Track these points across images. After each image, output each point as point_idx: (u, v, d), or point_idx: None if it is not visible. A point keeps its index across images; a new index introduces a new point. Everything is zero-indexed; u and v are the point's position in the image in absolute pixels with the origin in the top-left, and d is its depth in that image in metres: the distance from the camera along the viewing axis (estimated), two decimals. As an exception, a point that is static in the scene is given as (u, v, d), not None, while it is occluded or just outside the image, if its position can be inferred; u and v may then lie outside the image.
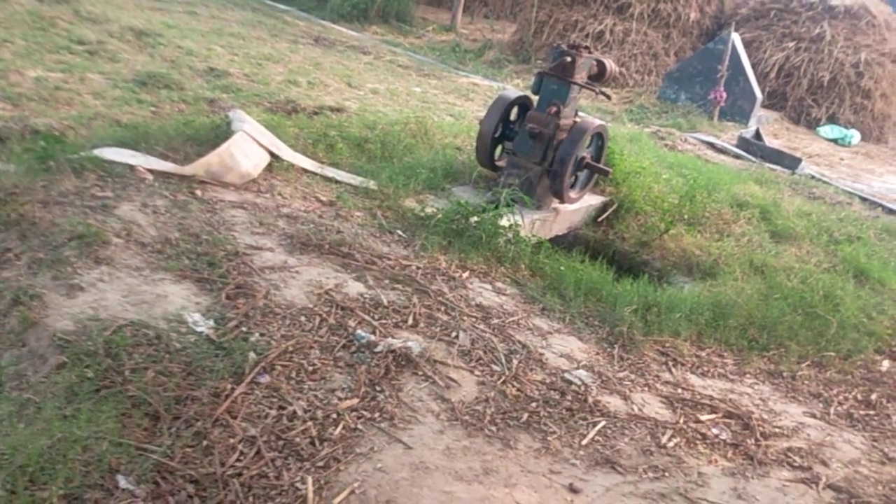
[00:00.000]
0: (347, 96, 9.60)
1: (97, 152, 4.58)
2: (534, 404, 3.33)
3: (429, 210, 5.14)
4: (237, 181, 4.87)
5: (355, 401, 2.98)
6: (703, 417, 3.58)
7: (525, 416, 3.21)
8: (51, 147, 4.39)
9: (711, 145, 10.82)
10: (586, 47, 5.83)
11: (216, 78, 8.91)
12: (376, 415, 2.94)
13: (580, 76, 5.78)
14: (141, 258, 3.63)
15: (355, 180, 5.48)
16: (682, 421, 3.50)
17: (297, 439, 2.67)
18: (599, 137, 6.15)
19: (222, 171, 4.81)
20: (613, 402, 3.53)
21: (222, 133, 5.34)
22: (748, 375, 4.18)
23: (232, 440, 2.60)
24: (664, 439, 3.31)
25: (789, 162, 10.00)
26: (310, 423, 2.76)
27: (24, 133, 5.62)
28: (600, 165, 6.08)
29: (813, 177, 9.68)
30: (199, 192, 4.58)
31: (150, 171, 4.61)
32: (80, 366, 2.73)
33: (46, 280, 3.24)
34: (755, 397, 3.92)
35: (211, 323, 3.24)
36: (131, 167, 4.56)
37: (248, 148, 5.08)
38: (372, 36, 16.02)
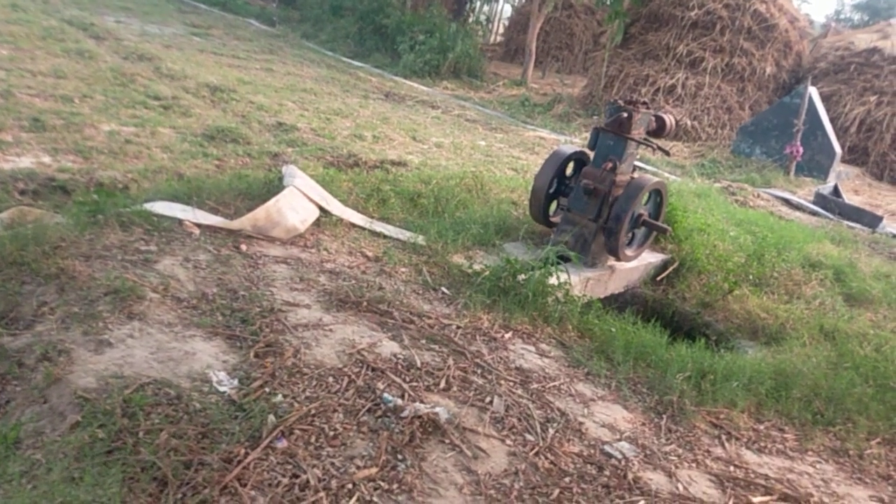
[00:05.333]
0: (411, 150, 9.67)
1: (147, 206, 4.66)
2: (567, 479, 3.12)
3: (477, 267, 5.03)
4: (283, 236, 4.88)
5: (374, 470, 2.85)
6: (756, 500, 3.30)
7: (556, 492, 3.01)
8: (103, 200, 4.48)
9: (786, 201, 10.42)
10: (644, 102, 5.69)
11: (284, 132, 9.12)
12: (394, 486, 2.80)
13: (637, 132, 5.64)
14: (175, 314, 3.63)
15: (404, 235, 5.43)
16: (731, 503, 3.23)
17: (307, 511, 2.55)
18: (657, 194, 5.96)
19: (269, 225, 4.83)
20: (656, 480, 3.29)
21: (274, 187, 5.39)
22: (810, 453, 3.86)
23: (238, 509, 2.50)
24: (709, 523, 3.06)
25: (869, 220, 9.52)
26: (322, 494, 2.64)
27: (88, 186, 5.83)
28: (658, 223, 5.88)
29: (895, 236, 9.16)
30: (243, 247, 4.59)
31: (198, 225, 4.66)
32: (94, 425, 2.69)
33: (77, 335, 3.25)
34: (816, 478, 3.61)
35: (235, 382, 3.19)
36: (179, 221, 4.62)
37: (296, 202, 5.09)
38: (442, 91, 16.24)
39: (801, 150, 12.11)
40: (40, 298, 3.53)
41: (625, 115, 5.52)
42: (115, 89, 9.31)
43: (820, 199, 10.45)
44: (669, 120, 5.86)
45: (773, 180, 11.71)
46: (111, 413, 2.77)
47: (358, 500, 2.67)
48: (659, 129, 5.84)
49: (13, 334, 3.31)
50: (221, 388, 3.12)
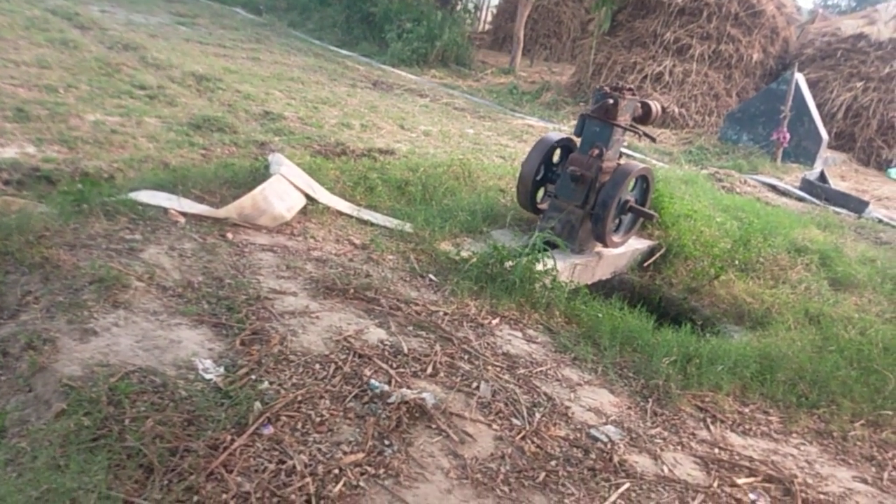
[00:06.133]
0: (399, 138, 9.64)
1: (133, 195, 4.63)
2: (553, 462, 3.14)
3: (464, 254, 5.04)
4: (270, 224, 4.87)
5: (360, 455, 2.86)
6: (740, 481, 3.33)
7: (542, 475, 3.03)
8: (88, 190, 4.45)
9: (773, 187, 10.46)
10: (630, 89, 5.70)
11: (270, 121, 9.07)
12: (381, 471, 2.81)
13: (623, 118, 5.65)
14: (160, 302, 3.62)
15: (391, 223, 5.42)
16: (716, 484, 3.26)
17: (293, 496, 2.56)
18: (644, 180, 5.97)
19: (255, 213, 4.82)
20: (641, 462, 3.31)
21: (260, 176, 5.37)
22: (794, 435, 3.89)
23: (224, 496, 2.50)
24: (694, 504, 3.08)
25: (855, 205, 9.58)
26: (308, 479, 2.65)
27: (73, 176, 5.78)
28: (645, 209, 5.90)
29: (881, 221, 9.23)
30: (229, 235, 4.58)
31: (184, 213, 4.65)
32: (80, 413, 2.68)
33: (62, 324, 3.24)
34: (800, 459, 3.64)
35: (221, 370, 3.18)
36: (165, 210, 4.60)
37: (283, 191, 5.08)
38: (430, 79, 16.18)
39: (787, 136, 12.15)
40: (25, 287, 3.51)
41: (611, 101, 5.53)
42: (100, 79, 9.23)
43: (806, 185, 10.50)
44: (655, 106, 5.87)
45: (760, 166, 11.75)
46: (97, 401, 2.77)
47: (345, 485, 2.68)
48: (645, 116, 5.85)
49: (-3, 324, 3.30)
50: (207, 376, 3.12)
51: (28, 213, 4.23)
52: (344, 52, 17.46)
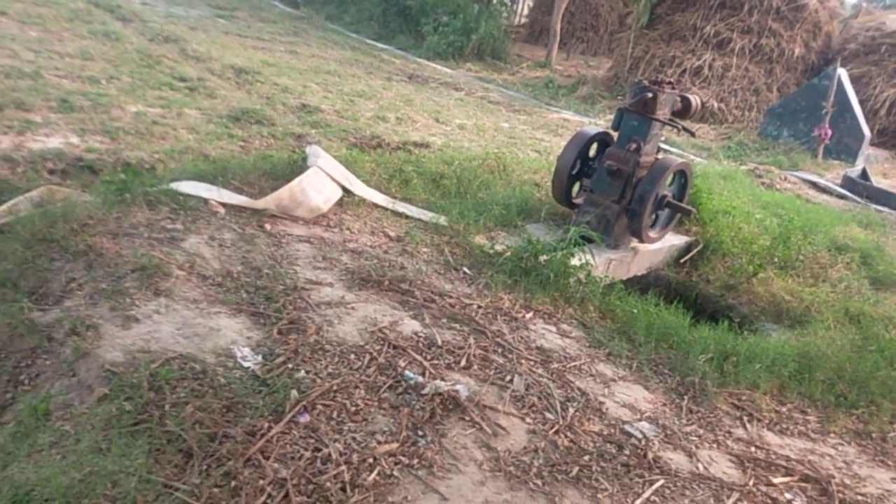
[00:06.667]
0: (434, 132, 9.65)
1: (174, 185, 4.71)
2: (586, 457, 3.14)
3: (498, 247, 5.04)
4: (307, 215, 4.92)
5: (394, 445, 2.88)
6: (777, 480, 3.30)
7: (575, 470, 3.03)
8: (130, 179, 4.53)
9: (813, 184, 10.28)
10: (669, 82, 5.63)
11: (308, 114, 9.14)
12: (415, 461, 2.83)
13: (662, 112, 5.59)
14: (200, 291, 3.68)
15: (426, 216, 5.44)
16: (751, 483, 3.23)
17: (328, 484, 2.59)
18: (682, 175, 5.91)
19: (292, 205, 4.87)
20: (676, 459, 3.30)
21: (298, 168, 5.42)
22: (832, 435, 3.84)
23: (261, 481, 2.55)
24: (729, 503, 3.06)
25: (899, 203, 9.37)
26: (343, 468, 2.68)
27: (116, 166, 5.90)
28: (682, 205, 5.84)
29: (925, 219, 9.01)
30: (267, 226, 4.63)
31: (223, 204, 4.71)
32: (122, 398, 2.75)
33: (104, 311, 3.31)
34: (838, 460, 3.60)
35: (259, 358, 3.23)
36: (205, 200, 4.67)
37: (319, 182, 5.12)
38: (466, 73, 16.16)
39: (829, 132, 11.92)
40: (69, 275, 3.60)
41: (649, 95, 5.47)
42: (141, 71, 9.38)
43: (848, 183, 10.30)
44: (695, 100, 5.80)
45: (801, 163, 11.55)
46: (138, 386, 2.83)
47: (379, 474, 2.71)
48: (684, 110, 5.78)
49: (43, 309, 3.39)
50: (245, 364, 3.17)
51: (72, 202, 4.33)
52: (380, 45, 17.51)
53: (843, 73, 12.47)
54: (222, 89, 9.46)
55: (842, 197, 9.89)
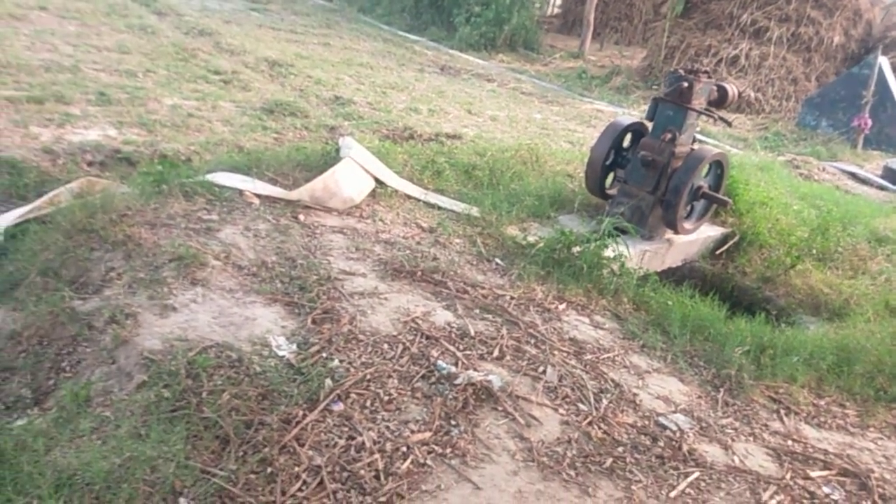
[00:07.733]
0: (466, 123, 9.64)
1: (210, 177, 4.77)
2: (620, 449, 3.12)
3: (531, 238, 5.02)
4: (340, 206, 4.94)
5: (427, 434, 2.90)
6: (814, 474, 3.25)
7: (609, 461, 3.02)
8: (167, 171, 4.60)
9: (853, 175, 10.09)
10: (706, 72, 5.56)
11: (340, 106, 9.18)
12: (448, 450, 2.84)
13: (698, 102, 5.52)
14: (236, 280, 3.72)
15: (458, 207, 5.44)
16: (788, 476, 3.19)
17: (362, 472, 2.61)
18: (718, 166, 5.84)
19: (326, 196, 4.90)
20: (712, 452, 3.26)
21: (331, 159, 5.45)
22: (872, 429, 3.77)
23: (297, 468, 2.58)
24: (765, 496, 3.02)
25: (942, 194, 9.15)
26: (377, 456, 2.70)
27: (152, 157, 5.99)
28: (719, 195, 5.77)
29: (969, 211, 8.78)
30: (301, 217, 4.67)
31: (258, 195, 4.76)
32: (160, 385, 2.80)
33: (143, 299, 3.37)
34: (877, 454, 3.53)
35: (294, 347, 3.26)
36: (240, 192, 4.72)
37: (353, 174, 5.15)
38: (498, 64, 16.10)
39: (869, 122, 11.69)
40: (108, 264, 3.66)
41: (685, 84, 5.40)
42: (176, 64, 9.50)
43: (889, 173, 10.09)
44: (732, 90, 5.71)
45: (840, 154, 11.35)
46: (176, 374, 2.87)
47: (412, 462, 2.72)
48: (721, 100, 5.70)
49: (83, 298, 3.45)
50: (280, 353, 3.20)
51: (111, 193, 4.40)
52: (412, 37, 17.51)
53: (884, 61, 12.21)
54: (256, 82, 9.54)
55: (882, 188, 9.69)
